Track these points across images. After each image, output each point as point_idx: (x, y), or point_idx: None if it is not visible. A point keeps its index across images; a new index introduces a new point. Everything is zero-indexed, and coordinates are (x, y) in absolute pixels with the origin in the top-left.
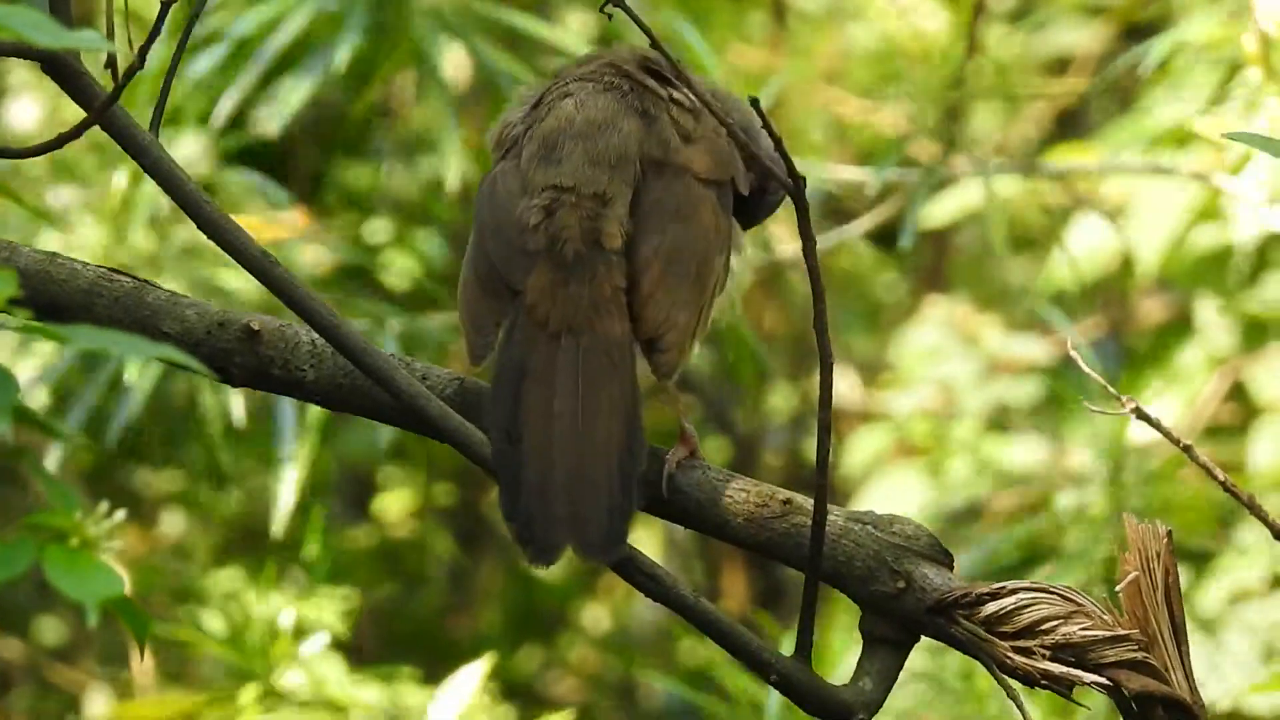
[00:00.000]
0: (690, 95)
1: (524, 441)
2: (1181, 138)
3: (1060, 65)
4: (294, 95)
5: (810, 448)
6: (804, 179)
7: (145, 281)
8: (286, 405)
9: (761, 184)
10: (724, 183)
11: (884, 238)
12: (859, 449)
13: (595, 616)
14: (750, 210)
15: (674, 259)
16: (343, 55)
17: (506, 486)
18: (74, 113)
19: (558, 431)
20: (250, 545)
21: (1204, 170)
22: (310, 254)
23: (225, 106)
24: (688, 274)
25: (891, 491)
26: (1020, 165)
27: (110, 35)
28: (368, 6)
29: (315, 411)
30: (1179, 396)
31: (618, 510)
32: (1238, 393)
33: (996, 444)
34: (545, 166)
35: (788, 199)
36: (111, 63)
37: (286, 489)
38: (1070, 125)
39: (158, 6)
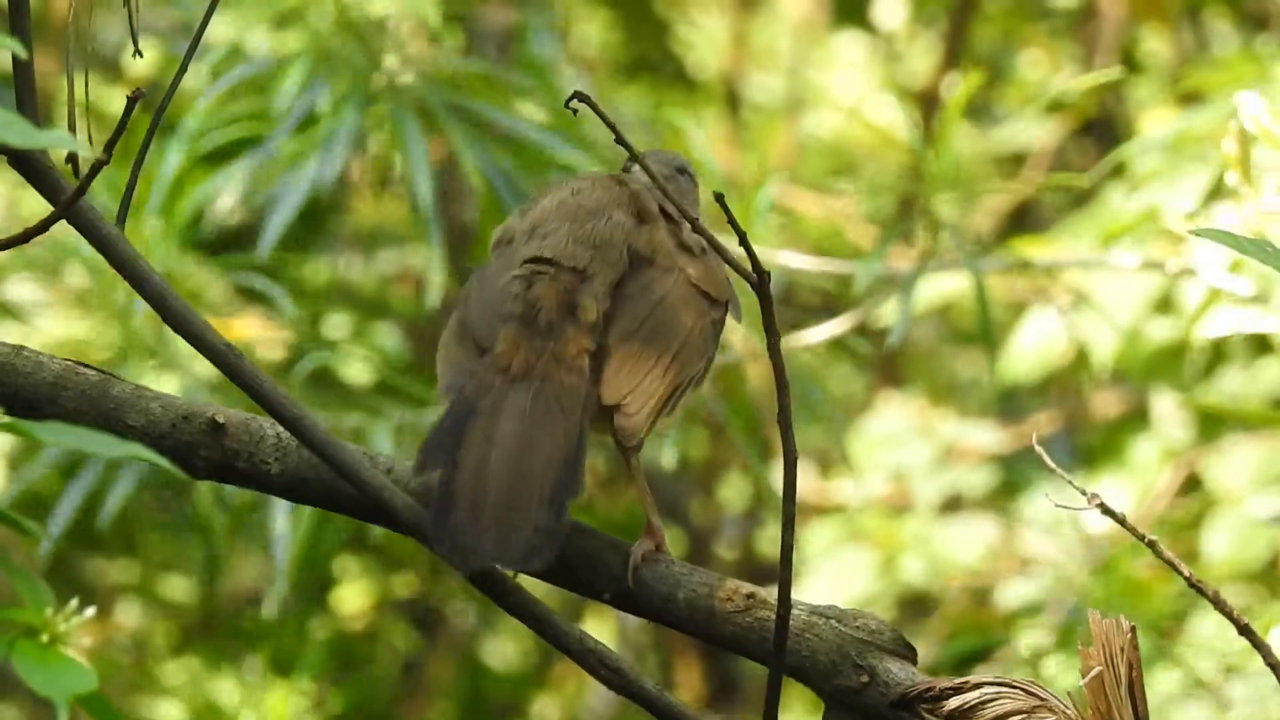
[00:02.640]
0: (681, 218)
1: (461, 466)
2: (1137, 232)
3: (1016, 160)
4: (284, 208)
5: (764, 540)
6: (769, 274)
7: (110, 374)
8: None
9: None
10: (718, 301)
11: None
12: (812, 540)
13: (545, 706)
14: None
15: (653, 337)
16: (332, 170)
17: (441, 505)
18: (31, 204)
19: (496, 456)
20: (206, 634)
21: (1164, 261)
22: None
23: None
24: (666, 352)
25: (841, 580)
26: (987, 257)
27: (73, 128)
28: (355, 109)
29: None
30: (1133, 488)
31: (544, 527)
32: (1192, 485)
33: (948, 532)
34: (529, 241)
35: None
36: (73, 159)
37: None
38: (1026, 219)
39: (121, 100)
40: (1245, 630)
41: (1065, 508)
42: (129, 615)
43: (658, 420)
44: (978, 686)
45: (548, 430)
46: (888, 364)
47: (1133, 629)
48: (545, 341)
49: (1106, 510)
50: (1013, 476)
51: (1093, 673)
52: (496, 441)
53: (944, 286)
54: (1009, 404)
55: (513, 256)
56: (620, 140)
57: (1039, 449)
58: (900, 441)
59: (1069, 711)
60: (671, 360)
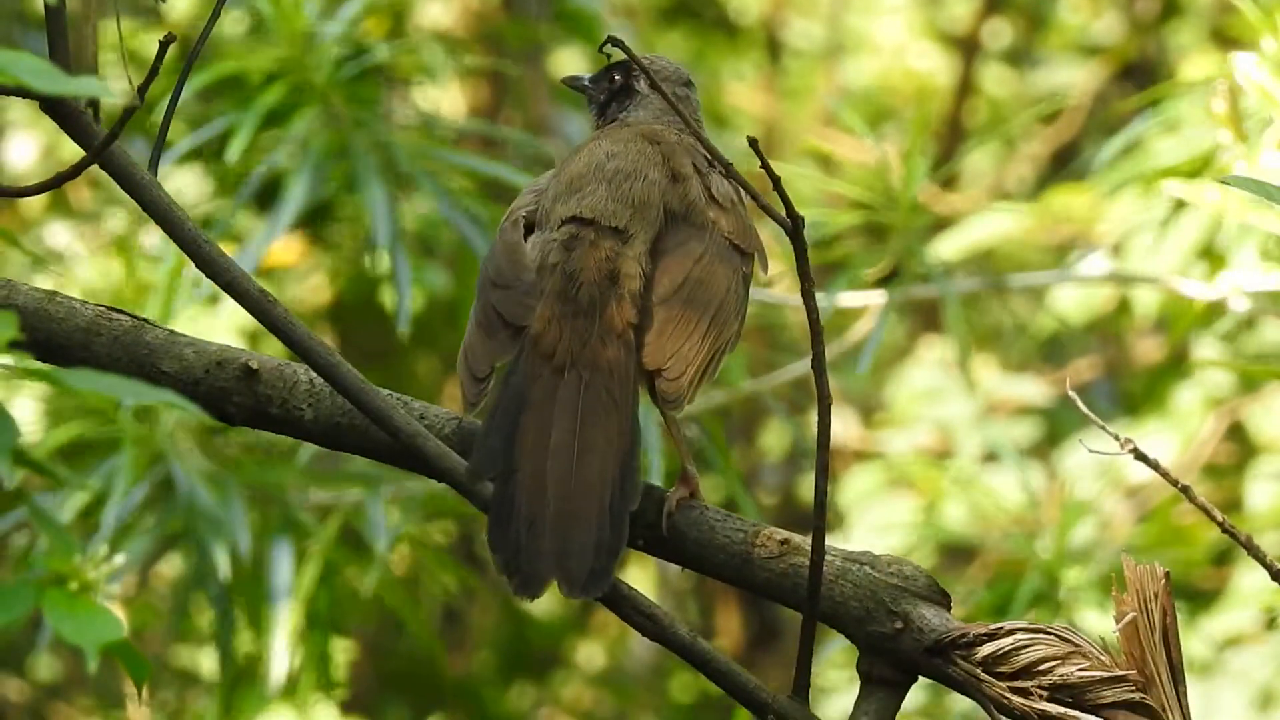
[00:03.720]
0: (715, 164)
1: (519, 474)
2: (1181, 174)
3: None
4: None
5: (804, 486)
6: (803, 219)
7: (143, 320)
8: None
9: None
10: (748, 253)
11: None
12: (852, 487)
13: (589, 654)
14: None
15: (693, 299)
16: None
17: (497, 516)
18: (71, 150)
19: (552, 466)
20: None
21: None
22: (310, 285)
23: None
24: (705, 315)
25: (882, 528)
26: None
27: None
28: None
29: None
30: (1177, 435)
31: (605, 548)
32: (1236, 433)
33: (991, 478)
34: (567, 200)
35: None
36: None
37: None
38: (1067, 165)
39: (154, 44)
40: (1278, 576)
41: (1101, 454)
42: (170, 565)
43: (700, 384)
44: (1012, 633)
45: (601, 429)
46: (929, 310)
47: (1167, 574)
48: (589, 322)
49: (1140, 456)
50: (1057, 425)
51: (1126, 618)
52: (552, 448)
53: (987, 230)
54: (1052, 350)
55: (546, 212)
56: (655, 86)
57: (1073, 395)
58: (942, 396)
59: (1103, 657)
60: (710, 324)
